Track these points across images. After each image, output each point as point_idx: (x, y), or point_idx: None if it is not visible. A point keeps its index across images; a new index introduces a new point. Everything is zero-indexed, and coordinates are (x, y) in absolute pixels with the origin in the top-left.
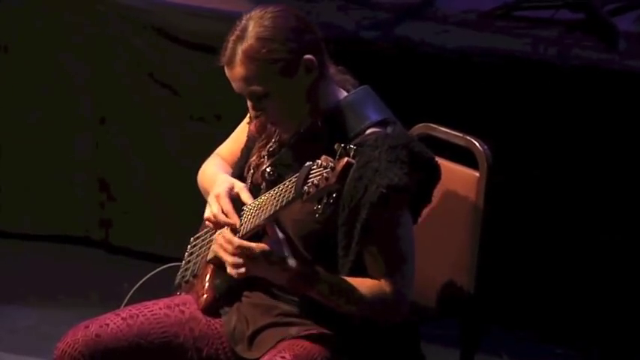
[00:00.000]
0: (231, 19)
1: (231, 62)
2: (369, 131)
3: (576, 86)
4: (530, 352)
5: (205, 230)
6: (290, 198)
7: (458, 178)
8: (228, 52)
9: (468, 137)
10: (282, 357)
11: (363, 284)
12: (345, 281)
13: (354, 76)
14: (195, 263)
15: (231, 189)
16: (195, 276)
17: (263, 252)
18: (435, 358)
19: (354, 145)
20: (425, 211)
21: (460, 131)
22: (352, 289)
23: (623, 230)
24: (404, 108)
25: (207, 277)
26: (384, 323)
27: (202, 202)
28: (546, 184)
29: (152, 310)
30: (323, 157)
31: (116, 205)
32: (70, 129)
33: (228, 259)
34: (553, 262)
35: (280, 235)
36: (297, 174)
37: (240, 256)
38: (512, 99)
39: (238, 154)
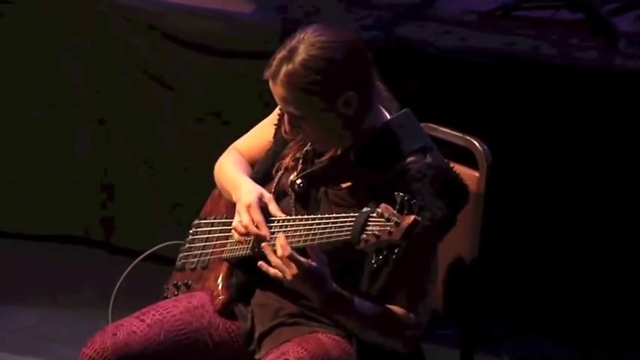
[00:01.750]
0: (230, 18)
1: (274, 79)
2: (410, 159)
3: (576, 86)
4: (529, 352)
5: (217, 221)
6: (342, 238)
7: None
8: (273, 68)
9: (468, 137)
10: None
11: (391, 315)
12: (375, 310)
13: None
14: (203, 253)
15: (261, 199)
16: (204, 267)
17: (311, 268)
18: (434, 358)
19: (398, 171)
20: None
21: (460, 131)
22: (380, 319)
23: (623, 230)
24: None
25: (222, 275)
26: (399, 351)
27: (202, 201)
28: (546, 184)
29: (174, 315)
30: (383, 205)
31: (116, 205)
32: (70, 129)
33: (276, 261)
34: (553, 262)
35: (323, 256)
36: (351, 215)
37: (286, 265)
38: (512, 99)
39: (257, 151)
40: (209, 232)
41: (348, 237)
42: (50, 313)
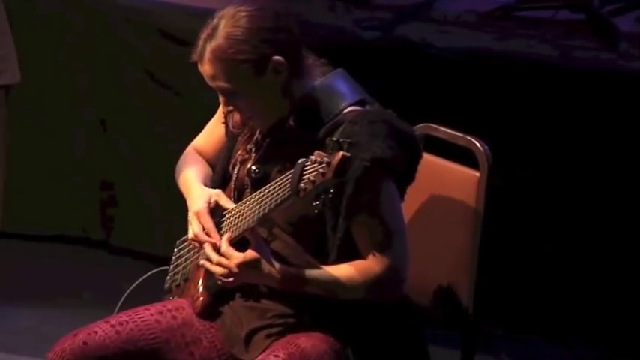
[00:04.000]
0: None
1: (201, 59)
2: (347, 110)
3: (576, 87)
4: (530, 353)
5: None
6: (285, 196)
7: (458, 178)
8: (198, 49)
9: (469, 137)
10: (276, 356)
11: (354, 269)
12: (336, 271)
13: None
14: (184, 267)
15: (209, 201)
16: (186, 280)
17: (250, 261)
18: (435, 358)
19: (334, 124)
20: (424, 212)
21: (461, 131)
22: (344, 277)
23: (626, 231)
24: (404, 108)
25: (200, 280)
26: (385, 300)
27: None
28: (547, 185)
29: (142, 317)
30: (316, 152)
31: (116, 205)
32: (70, 129)
33: (216, 270)
34: (554, 263)
35: (261, 241)
36: (287, 173)
37: (227, 267)
38: (512, 100)
39: (215, 147)
40: (188, 247)
41: (289, 192)
42: (50, 314)
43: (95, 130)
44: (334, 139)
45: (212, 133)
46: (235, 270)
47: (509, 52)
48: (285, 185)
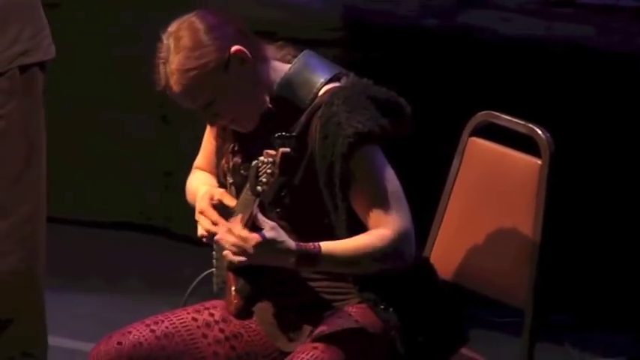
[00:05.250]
0: (292, 7)
1: (168, 84)
2: (322, 91)
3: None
4: (594, 343)
5: None
6: (253, 200)
7: (520, 166)
8: (162, 77)
9: (530, 125)
10: (315, 348)
11: (366, 239)
12: (349, 243)
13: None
14: (222, 269)
15: (212, 198)
16: (224, 282)
17: (266, 241)
18: (496, 345)
19: (314, 108)
20: (486, 199)
21: (522, 119)
22: (358, 248)
23: None
24: (465, 96)
25: (232, 282)
26: (398, 268)
27: None
28: (613, 171)
29: (179, 316)
30: (265, 152)
31: (177, 192)
32: (134, 116)
33: (232, 255)
34: (621, 251)
35: (271, 222)
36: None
37: (240, 248)
38: (574, 87)
39: (212, 161)
40: (219, 249)
41: (253, 196)
42: (112, 299)
43: (158, 119)
44: (277, 135)
45: (206, 149)
46: (251, 251)
47: (572, 38)
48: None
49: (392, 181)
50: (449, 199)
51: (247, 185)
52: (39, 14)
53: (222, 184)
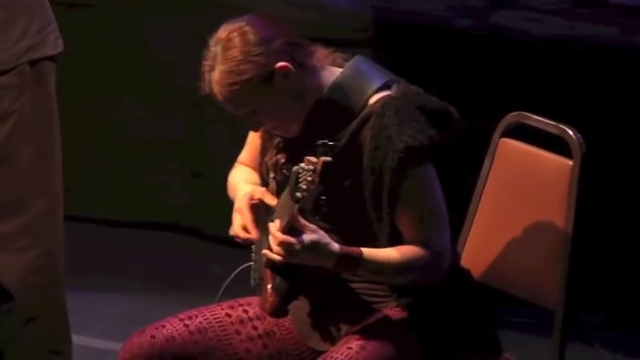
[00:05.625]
0: (320, 7)
1: (211, 92)
2: (373, 100)
3: None
4: (626, 345)
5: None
6: (292, 204)
7: (551, 166)
8: (206, 83)
9: (562, 126)
10: (349, 348)
11: (404, 252)
12: (389, 253)
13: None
14: (260, 265)
15: (251, 198)
16: (261, 278)
17: (306, 244)
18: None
19: (364, 117)
20: (517, 200)
21: (553, 120)
22: (396, 260)
23: None
24: (496, 97)
25: (268, 280)
26: (428, 284)
27: None
28: (638, 172)
29: (213, 311)
30: (306, 158)
31: (206, 192)
32: (164, 116)
33: (275, 248)
34: None
35: (312, 225)
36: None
37: (284, 250)
38: (604, 88)
39: (258, 157)
40: (259, 244)
41: (292, 202)
42: (141, 300)
43: (188, 119)
44: (319, 142)
45: (251, 144)
46: (293, 253)
47: (602, 39)
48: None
49: (438, 199)
50: (480, 199)
51: (287, 188)
52: (45, 8)
53: (264, 180)
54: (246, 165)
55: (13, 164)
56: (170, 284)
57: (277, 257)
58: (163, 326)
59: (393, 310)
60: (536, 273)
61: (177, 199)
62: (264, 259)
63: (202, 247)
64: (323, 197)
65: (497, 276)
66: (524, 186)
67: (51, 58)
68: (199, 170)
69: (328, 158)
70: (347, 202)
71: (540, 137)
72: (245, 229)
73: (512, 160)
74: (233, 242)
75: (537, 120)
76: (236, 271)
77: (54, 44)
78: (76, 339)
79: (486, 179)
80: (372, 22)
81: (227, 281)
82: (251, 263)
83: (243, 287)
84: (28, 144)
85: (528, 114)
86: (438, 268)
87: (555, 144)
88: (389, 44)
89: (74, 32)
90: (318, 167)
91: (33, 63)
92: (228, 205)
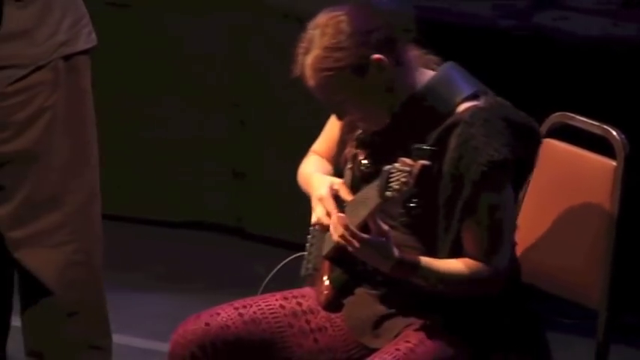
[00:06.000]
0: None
1: (302, 74)
2: (461, 107)
3: None
4: None
5: None
6: (377, 202)
7: (594, 167)
8: (298, 65)
9: (605, 126)
10: (407, 342)
11: (463, 266)
12: (446, 265)
13: (484, 65)
14: (315, 256)
15: (332, 188)
16: (316, 269)
17: (373, 242)
18: (569, 347)
19: (451, 124)
20: (562, 203)
21: (597, 120)
22: (453, 272)
23: None
24: (540, 97)
25: (325, 272)
26: (482, 296)
27: None
28: None
29: (267, 301)
30: (400, 159)
31: (251, 192)
32: (207, 115)
33: (339, 240)
34: None
35: (385, 226)
36: (381, 176)
37: (348, 241)
38: None
39: (334, 148)
40: (318, 235)
41: (378, 199)
42: (185, 300)
43: (231, 118)
44: (417, 145)
45: (329, 133)
46: (356, 245)
47: None
48: (376, 189)
49: (509, 217)
50: (523, 200)
51: (371, 185)
52: (77, 3)
53: (339, 171)
54: (320, 155)
55: (48, 160)
56: (213, 283)
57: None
58: (218, 314)
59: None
60: (579, 273)
61: (221, 199)
62: (324, 250)
63: (245, 247)
64: (414, 200)
65: (541, 275)
66: (568, 186)
67: (85, 53)
68: (243, 170)
69: (427, 162)
70: (423, 206)
71: (584, 138)
72: (329, 216)
73: (555, 161)
74: (276, 241)
75: (581, 120)
76: (277, 268)
77: (87, 39)
78: (120, 338)
79: (530, 179)
80: (415, 22)
81: (267, 278)
82: (298, 255)
83: (284, 284)
84: (63, 140)
85: (572, 114)
86: (494, 283)
87: (599, 144)
88: (432, 45)
89: (115, 31)
90: (416, 170)
91: (67, 58)
92: (270, 204)
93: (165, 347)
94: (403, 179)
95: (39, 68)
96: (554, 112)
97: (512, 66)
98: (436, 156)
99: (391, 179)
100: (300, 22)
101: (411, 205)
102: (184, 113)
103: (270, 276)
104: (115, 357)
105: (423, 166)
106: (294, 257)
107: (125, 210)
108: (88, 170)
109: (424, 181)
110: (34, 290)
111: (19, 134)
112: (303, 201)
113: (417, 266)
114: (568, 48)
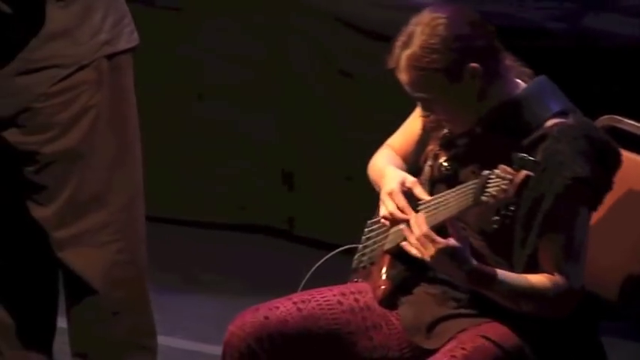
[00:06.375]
0: (408, 9)
1: (397, 67)
2: (550, 123)
3: None
4: None
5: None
6: (468, 205)
7: None
8: (394, 56)
9: None
10: (463, 348)
11: (539, 281)
12: (523, 280)
13: (531, 68)
14: (372, 250)
15: (403, 184)
16: (372, 263)
17: (450, 249)
18: (612, 350)
19: (539, 137)
20: (608, 203)
21: None
22: (527, 288)
23: None
24: (589, 100)
25: (384, 267)
26: (551, 318)
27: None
28: None
29: (325, 296)
30: (501, 166)
31: (300, 194)
32: (255, 117)
33: (413, 240)
34: None
35: (464, 233)
36: (477, 180)
37: (424, 244)
38: None
39: (410, 145)
40: (377, 230)
41: (471, 202)
42: (234, 302)
43: (277, 119)
44: (520, 155)
45: (408, 129)
46: (432, 252)
47: None
48: (470, 193)
49: (585, 236)
50: None
51: (452, 190)
52: (119, 2)
53: (414, 168)
54: (394, 149)
55: (91, 160)
56: (260, 286)
57: (415, 251)
58: (277, 307)
59: (503, 322)
60: (630, 278)
61: (270, 201)
62: (387, 244)
63: (293, 249)
64: (512, 208)
65: (591, 279)
66: (616, 189)
67: (127, 52)
68: (292, 171)
69: (531, 173)
70: (512, 216)
71: (632, 141)
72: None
73: None
74: (324, 243)
75: (629, 124)
76: (315, 266)
77: (129, 38)
78: (165, 340)
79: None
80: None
81: (307, 276)
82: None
83: (323, 284)
84: (106, 139)
85: (620, 117)
86: (567, 302)
87: None
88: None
89: (161, 32)
90: (518, 179)
91: (109, 57)
92: (319, 206)
93: (210, 349)
94: (503, 186)
95: (82, 68)
96: (602, 115)
97: (560, 69)
98: (538, 168)
99: (489, 185)
100: (340, 22)
101: (508, 213)
102: (234, 114)
103: (311, 272)
104: (159, 358)
105: (527, 177)
106: (336, 252)
107: (172, 212)
108: (131, 170)
109: (522, 191)
110: (79, 290)
111: (63, 134)
112: (351, 204)
113: (494, 278)
114: (617, 50)
